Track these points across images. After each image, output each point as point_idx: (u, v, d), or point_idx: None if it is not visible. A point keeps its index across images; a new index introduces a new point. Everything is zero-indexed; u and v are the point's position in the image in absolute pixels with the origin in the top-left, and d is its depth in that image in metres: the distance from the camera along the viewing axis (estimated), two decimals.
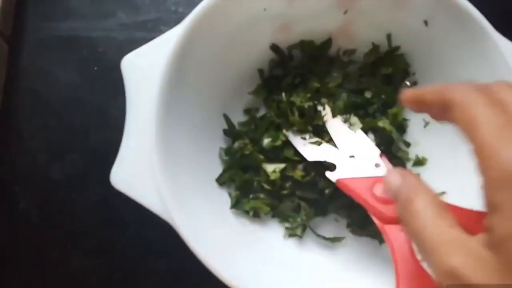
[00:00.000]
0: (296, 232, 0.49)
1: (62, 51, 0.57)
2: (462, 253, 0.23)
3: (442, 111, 0.28)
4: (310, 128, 0.48)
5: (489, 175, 0.23)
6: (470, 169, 0.35)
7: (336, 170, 0.45)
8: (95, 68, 0.56)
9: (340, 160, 0.45)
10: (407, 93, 0.32)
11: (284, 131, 0.49)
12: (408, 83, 0.51)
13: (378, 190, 0.40)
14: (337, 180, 0.44)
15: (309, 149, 0.48)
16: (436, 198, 0.26)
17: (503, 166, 0.22)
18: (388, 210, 0.38)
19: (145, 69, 0.43)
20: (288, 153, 0.48)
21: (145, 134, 0.41)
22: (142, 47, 0.44)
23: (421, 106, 0.30)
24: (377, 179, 0.41)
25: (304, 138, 0.48)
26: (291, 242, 0.49)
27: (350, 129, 0.48)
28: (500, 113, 0.24)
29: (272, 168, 0.48)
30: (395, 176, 0.30)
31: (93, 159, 0.54)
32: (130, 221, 0.53)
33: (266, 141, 0.49)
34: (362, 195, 0.40)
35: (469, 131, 0.25)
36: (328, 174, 0.44)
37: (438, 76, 0.49)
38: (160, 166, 0.41)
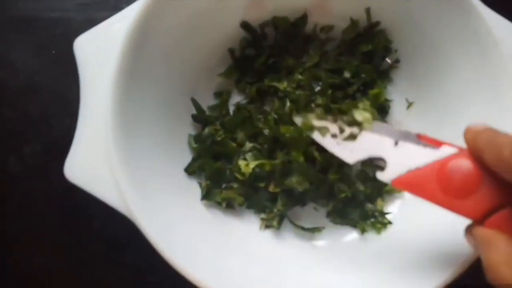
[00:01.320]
0: (272, 223, 0.46)
1: (17, 33, 0.53)
2: None
3: None
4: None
5: None
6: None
7: (387, 166, 0.35)
8: (53, 52, 0.52)
9: (388, 151, 0.36)
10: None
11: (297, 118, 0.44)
12: (389, 61, 0.48)
13: (450, 173, 0.31)
14: (395, 180, 0.34)
15: (347, 149, 0.40)
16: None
17: None
18: (475, 200, 0.30)
19: (100, 51, 0.40)
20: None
21: (102, 122, 0.38)
22: (96, 26, 0.40)
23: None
24: (442, 162, 0.32)
25: (335, 136, 0.42)
26: (268, 234, 0.46)
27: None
28: None
29: (245, 163, 0.44)
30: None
31: (53, 150, 0.50)
32: (94, 215, 0.50)
33: (242, 137, 0.46)
34: (432, 190, 0.31)
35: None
36: (379, 175, 0.35)
37: (421, 53, 0.45)
38: (118, 157, 0.37)
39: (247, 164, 0.45)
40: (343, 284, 0.40)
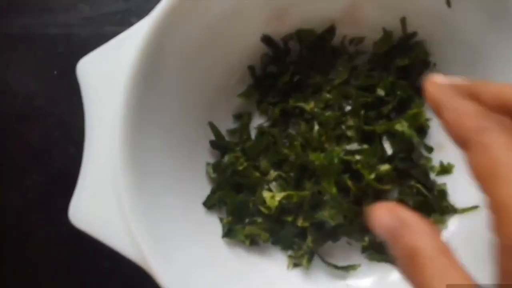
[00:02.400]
0: (301, 261, 0.41)
1: (14, 52, 0.48)
2: None
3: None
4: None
5: (507, 241, 0.19)
6: None
7: None
8: (55, 72, 0.48)
9: None
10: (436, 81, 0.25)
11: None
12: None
13: None
14: None
15: None
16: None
17: None
18: None
19: (106, 74, 0.36)
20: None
21: (110, 156, 0.33)
22: (101, 46, 0.36)
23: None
24: None
25: None
26: (296, 273, 0.41)
27: None
28: None
29: (270, 195, 0.40)
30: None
31: (57, 182, 0.46)
32: (104, 253, 0.44)
33: (266, 165, 0.41)
34: None
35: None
36: None
37: (463, 66, 0.40)
38: (129, 198, 0.33)
39: (273, 196, 0.40)
40: None
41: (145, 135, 0.35)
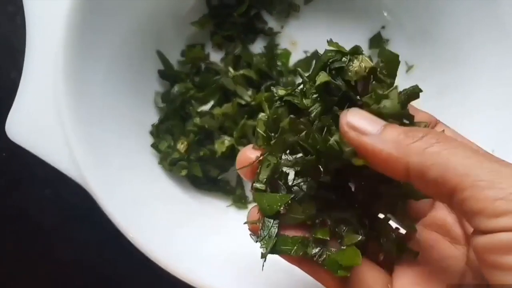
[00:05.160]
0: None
1: None
2: None
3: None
4: None
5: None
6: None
7: None
8: None
9: None
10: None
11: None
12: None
13: None
14: None
15: None
16: None
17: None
18: None
19: None
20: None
21: (51, 72, 0.32)
22: None
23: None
24: None
25: None
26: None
27: None
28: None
29: (220, 140, 0.39)
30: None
31: None
32: (45, 181, 0.43)
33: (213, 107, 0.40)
34: None
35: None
36: None
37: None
38: (71, 114, 0.31)
39: (223, 142, 0.39)
40: None
41: (89, 52, 0.34)
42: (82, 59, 0.33)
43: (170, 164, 0.38)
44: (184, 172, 0.38)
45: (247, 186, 0.40)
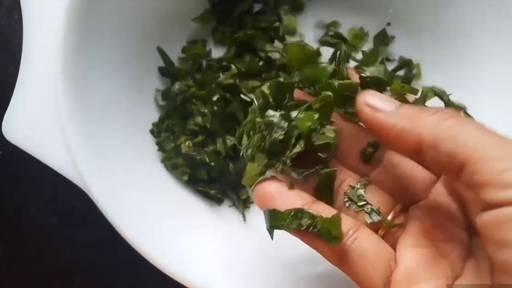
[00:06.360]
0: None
1: None
2: None
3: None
4: None
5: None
6: None
7: None
8: None
9: None
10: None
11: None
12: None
13: None
14: None
15: None
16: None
17: None
18: None
19: None
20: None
21: (50, 68, 0.31)
22: None
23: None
24: None
25: None
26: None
27: None
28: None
29: (223, 140, 0.38)
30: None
31: None
32: (43, 180, 0.43)
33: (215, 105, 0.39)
34: None
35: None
36: None
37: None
38: (69, 110, 0.31)
39: (224, 142, 0.39)
40: None
41: (89, 53, 0.33)
42: (81, 56, 0.32)
43: (173, 167, 0.38)
44: (185, 177, 0.37)
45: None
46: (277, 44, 0.41)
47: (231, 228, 0.38)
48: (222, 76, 0.39)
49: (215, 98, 0.38)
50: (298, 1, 0.42)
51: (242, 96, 0.39)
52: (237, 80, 0.39)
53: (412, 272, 0.24)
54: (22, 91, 0.32)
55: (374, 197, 0.27)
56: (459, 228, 0.25)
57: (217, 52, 0.41)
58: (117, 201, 0.32)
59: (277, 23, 0.41)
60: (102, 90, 0.34)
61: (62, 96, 0.30)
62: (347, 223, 0.25)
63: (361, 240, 0.24)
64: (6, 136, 0.31)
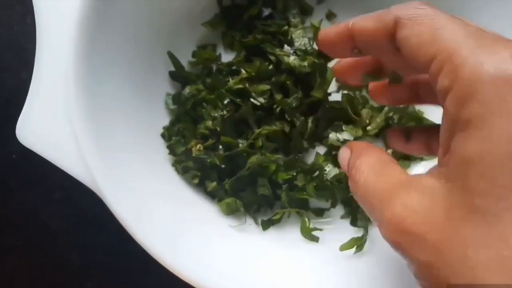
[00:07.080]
0: None
1: None
2: (407, 194, 0.21)
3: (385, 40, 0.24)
4: None
5: (459, 85, 0.20)
6: None
7: None
8: None
9: None
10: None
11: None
12: None
13: None
14: None
15: None
16: (382, 155, 0.25)
17: (480, 73, 0.19)
18: None
19: None
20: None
21: (62, 73, 0.31)
22: None
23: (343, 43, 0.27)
24: None
25: None
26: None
27: None
28: (462, 22, 0.21)
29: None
30: (344, 150, 0.27)
31: (7, 109, 0.43)
32: (55, 183, 0.43)
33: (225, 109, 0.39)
34: None
35: (431, 41, 0.21)
36: None
37: None
38: (81, 116, 0.31)
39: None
40: None
41: (100, 55, 0.33)
42: (93, 61, 0.32)
43: (184, 170, 0.38)
44: (196, 181, 0.38)
45: None
46: (286, 48, 0.41)
47: (245, 233, 0.38)
48: (232, 80, 0.39)
49: (225, 102, 0.39)
50: (307, 5, 0.42)
51: (252, 99, 0.39)
52: (247, 84, 0.39)
53: None
54: (36, 95, 0.32)
55: None
56: None
57: (227, 57, 0.42)
58: (130, 204, 0.32)
59: (286, 27, 0.41)
60: (113, 95, 0.34)
61: (74, 100, 0.31)
62: None
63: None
64: (20, 140, 0.32)
